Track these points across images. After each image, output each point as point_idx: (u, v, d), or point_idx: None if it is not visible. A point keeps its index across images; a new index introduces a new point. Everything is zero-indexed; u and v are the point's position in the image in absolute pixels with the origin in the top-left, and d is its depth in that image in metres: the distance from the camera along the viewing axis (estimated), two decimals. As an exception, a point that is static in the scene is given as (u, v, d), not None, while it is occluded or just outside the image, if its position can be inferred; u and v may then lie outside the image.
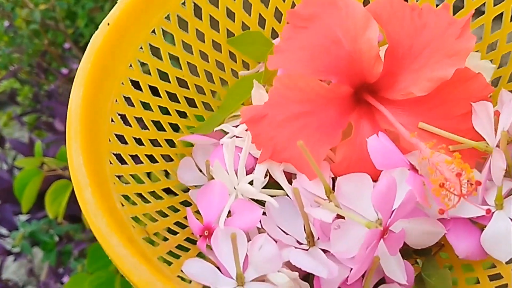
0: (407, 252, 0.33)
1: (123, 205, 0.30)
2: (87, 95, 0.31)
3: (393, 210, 0.29)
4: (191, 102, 0.40)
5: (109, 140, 0.32)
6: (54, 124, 1.00)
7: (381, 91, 0.35)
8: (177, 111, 0.39)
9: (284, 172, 0.35)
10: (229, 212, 0.33)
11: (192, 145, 0.39)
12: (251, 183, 0.34)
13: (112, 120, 0.33)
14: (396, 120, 0.32)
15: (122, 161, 0.33)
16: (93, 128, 0.30)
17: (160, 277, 0.24)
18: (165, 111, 0.38)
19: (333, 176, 0.34)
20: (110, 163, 0.31)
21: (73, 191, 0.65)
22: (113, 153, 0.32)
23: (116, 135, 0.33)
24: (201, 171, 0.38)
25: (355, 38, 0.32)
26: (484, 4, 0.37)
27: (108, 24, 0.33)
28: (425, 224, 0.31)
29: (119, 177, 0.32)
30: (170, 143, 0.39)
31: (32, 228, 0.86)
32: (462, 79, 0.34)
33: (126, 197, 0.31)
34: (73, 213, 0.82)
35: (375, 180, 0.32)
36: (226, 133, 0.37)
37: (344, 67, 0.33)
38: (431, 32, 0.33)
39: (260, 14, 0.41)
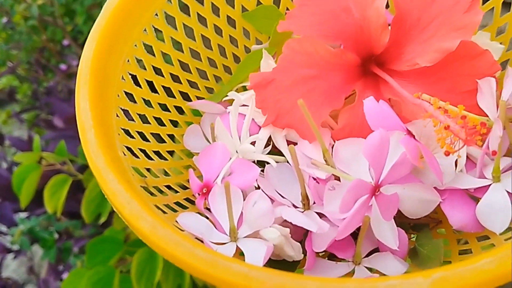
0: (404, 226, 0.33)
1: (125, 154, 0.31)
2: (99, 49, 0.32)
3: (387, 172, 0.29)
4: (202, 74, 0.42)
5: (118, 96, 0.33)
6: (53, 121, 1.01)
7: (387, 63, 0.35)
8: (188, 81, 0.40)
9: (287, 141, 0.36)
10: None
11: (201, 115, 0.40)
12: (253, 145, 0.34)
13: (123, 78, 0.34)
14: (399, 86, 0.33)
15: (129, 118, 0.34)
16: (103, 80, 0.32)
17: (151, 212, 0.25)
18: (176, 80, 0.40)
19: (333, 143, 0.34)
20: (117, 116, 0.32)
21: (72, 186, 0.66)
22: (121, 108, 0.33)
23: (125, 93, 0.34)
24: (207, 139, 0.39)
25: (365, 6, 0.33)
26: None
27: (125, -14, 0.35)
28: (420, 191, 0.31)
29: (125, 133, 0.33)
30: (180, 110, 0.40)
31: (31, 224, 0.86)
32: (469, 55, 0.34)
33: (130, 150, 0.33)
34: (72, 210, 0.83)
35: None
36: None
37: (352, 34, 0.34)
38: (440, 5, 0.33)
39: (275, -8, 0.42)
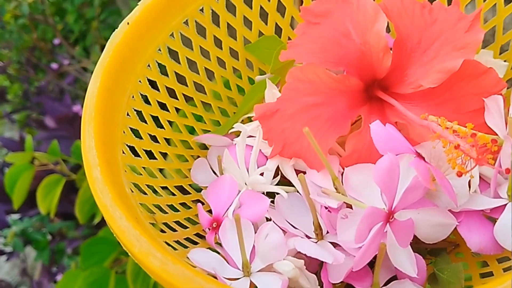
0: (421, 251, 0.32)
1: (132, 191, 0.31)
2: (103, 86, 0.32)
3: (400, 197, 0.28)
4: (207, 108, 0.41)
5: (124, 132, 0.33)
6: (45, 121, 1.00)
7: (391, 87, 0.35)
8: (193, 114, 0.40)
9: (295, 170, 0.35)
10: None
11: (207, 148, 0.40)
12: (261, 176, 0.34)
13: (128, 114, 0.34)
14: (405, 109, 0.32)
15: (136, 154, 0.34)
16: (108, 117, 0.32)
17: (161, 249, 0.25)
18: (182, 113, 0.39)
19: (342, 170, 0.33)
20: (123, 153, 0.32)
21: (65, 186, 0.66)
22: (127, 145, 0.33)
23: (131, 129, 0.34)
24: (215, 173, 0.39)
25: (365, 30, 0.33)
26: (495, 5, 0.37)
27: (128, 23, 0.35)
28: (436, 215, 0.30)
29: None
30: (186, 144, 0.39)
31: (24, 226, 0.85)
32: (473, 74, 0.33)
33: (137, 187, 0.32)
34: (66, 210, 0.82)
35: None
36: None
37: (354, 59, 0.34)
38: (440, 26, 0.33)
39: (276, 23, 0.43)
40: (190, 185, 0.38)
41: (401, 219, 0.29)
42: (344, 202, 0.31)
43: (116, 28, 0.35)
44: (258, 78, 0.43)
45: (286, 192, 0.33)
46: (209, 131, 0.41)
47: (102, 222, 0.71)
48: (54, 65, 1.09)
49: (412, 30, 0.34)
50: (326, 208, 0.31)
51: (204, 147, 0.40)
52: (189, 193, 0.37)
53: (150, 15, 0.36)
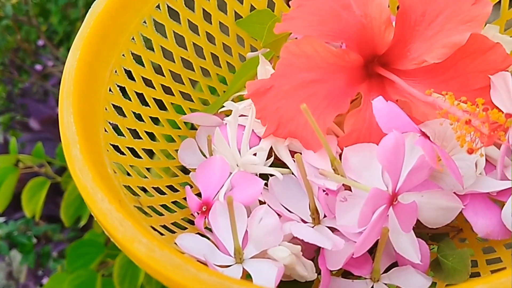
0: (422, 237, 0.30)
1: (115, 172, 0.28)
2: (83, 58, 0.30)
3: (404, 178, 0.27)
4: (196, 86, 0.39)
5: (106, 109, 0.31)
6: (29, 123, 0.98)
7: (392, 63, 0.33)
8: (181, 93, 0.38)
9: (290, 151, 0.33)
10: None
11: (196, 129, 0.38)
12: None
13: (110, 90, 0.32)
14: (408, 85, 0.30)
15: (119, 133, 0.32)
16: (88, 92, 0.29)
17: (147, 234, 0.22)
18: (168, 91, 0.37)
19: (340, 151, 0.31)
20: (105, 131, 0.30)
21: (50, 189, 0.64)
22: (110, 123, 0.31)
23: (114, 106, 0.32)
24: (203, 154, 0.36)
25: (366, 2, 0.31)
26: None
27: (109, -8, 0.32)
28: (441, 198, 0.28)
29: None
30: (173, 124, 0.37)
31: (10, 229, 0.83)
32: (480, 49, 0.32)
33: (120, 168, 0.30)
34: (51, 213, 0.80)
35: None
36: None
37: (354, 32, 0.32)
38: (445, -1, 0.31)
39: (269, -3, 0.40)
40: (177, 167, 0.36)
41: (404, 202, 0.27)
42: (343, 184, 0.29)
43: None
44: (249, 55, 0.40)
45: (281, 174, 0.31)
46: (198, 110, 0.39)
47: (88, 225, 0.70)
48: (38, 67, 1.06)
49: (416, 1, 0.32)
50: (323, 190, 0.29)
51: (193, 127, 0.38)
52: (177, 176, 0.35)
53: (135, -17, 0.34)
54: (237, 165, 0.32)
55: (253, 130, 0.33)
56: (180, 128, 0.37)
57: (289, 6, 0.41)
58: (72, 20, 1.15)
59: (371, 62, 0.33)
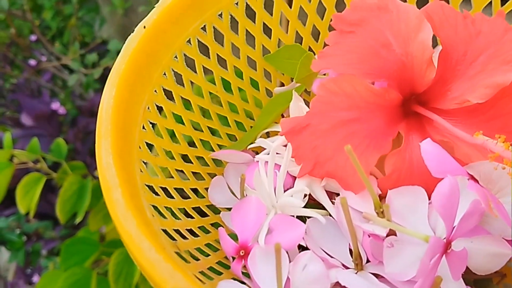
0: (466, 282, 0.29)
1: (153, 216, 0.27)
2: (119, 96, 0.29)
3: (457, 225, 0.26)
4: (223, 121, 0.38)
5: (140, 148, 0.30)
6: (21, 118, 0.96)
7: (431, 101, 0.32)
8: (209, 128, 0.37)
9: (326, 192, 0.32)
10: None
11: (223, 165, 0.37)
12: (290, 198, 0.31)
13: (144, 128, 0.31)
14: (453, 126, 0.30)
15: (152, 172, 0.30)
16: (125, 131, 0.28)
17: (196, 285, 0.21)
18: (196, 127, 0.36)
19: (380, 192, 0.31)
20: (141, 171, 0.29)
21: (45, 185, 0.62)
22: (143, 162, 0.30)
23: (146, 144, 0.31)
24: (233, 193, 0.35)
25: (407, 40, 0.30)
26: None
27: (144, 27, 0.32)
28: (490, 244, 0.27)
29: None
30: (202, 161, 0.36)
31: (0, 225, 0.81)
32: (520, 89, 0.31)
33: (156, 210, 0.29)
34: (43, 210, 0.79)
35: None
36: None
37: (394, 71, 0.31)
38: (486, 38, 0.31)
39: (297, 32, 0.40)
40: (207, 206, 0.35)
41: (456, 249, 0.26)
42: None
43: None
44: (277, 90, 0.40)
45: (312, 213, 0.30)
46: (225, 146, 0.38)
47: (80, 223, 0.68)
48: (32, 62, 1.04)
49: (456, 42, 0.31)
50: (369, 235, 0.28)
51: (220, 163, 0.37)
52: (207, 215, 0.34)
53: (168, 19, 0.33)
54: (273, 206, 0.31)
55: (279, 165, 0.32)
56: (208, 165, 0.36)
57: (316, 41, 0.40)
58: (65, 16, 1.15)
59: (408, 100, 0.33)
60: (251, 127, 0.39)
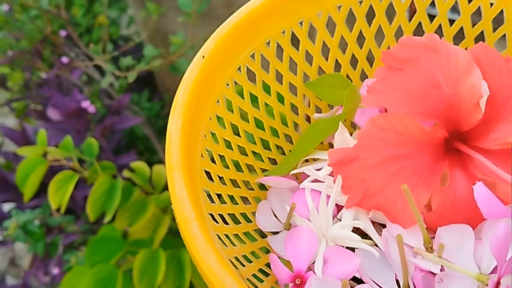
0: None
1: (226, 245, 0.28)
2: (185, 127, 0.30)
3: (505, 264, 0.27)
4: (265, 145, 0.39)
5: (201, 176, 0.31)
6: (47, 112, 0.97)
7: (473, 140, 0.34)
8: (253, 153, 0.38)
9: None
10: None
11: (266, 188, 0.38)
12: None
13: (202, 156, 0.32)
14: (497, 168, 0.31)
15: (211, 200, 0.32)
16: (190, 162, 0.29)
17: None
18: (242, 152, 0.37)
19: (425, 226, 0.32)
20: (204, 200, 0.30)
21: (77, 183, 0.64)
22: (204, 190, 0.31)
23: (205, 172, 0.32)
24: (276, 217, 0.36)
25: (457, 82, 0.32)
26: None
27: (203, 57, 0.33)
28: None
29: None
30: (248, 185, 0.37)
31: (28, 218, 0.83)
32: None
33: (220, 239, 0.30)
34: (68, 206, 0.80)
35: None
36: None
37: (442, 111, 0.33)
38: (528, 83, 0.33)
39: (336, 60, 0.41)
40: (254, 230, 0.36)
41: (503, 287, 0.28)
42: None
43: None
44: (316, 116, 0.41)
45: (367, 246, 0.32)
46: (267, 169, 0.39)
47: (101, 218, 0.70)
48: (65, 59, 1.04)
49: (500, 85, 0.33)
50: (421, 270, 0.30)
51: (263, 187, 0.38)
52: (255, 240, 0.35)
53: (223, 48, 0.34)
54: (324, 236, 0.32)
55: (328, 195, 0.34)
56: (253, 190, 0.37)
57: (354, 69, 0.42)
58: (95, 13, 1.15)
59: (451, 137, 0.34)
60: (290, 150, 0.40)
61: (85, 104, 0.92)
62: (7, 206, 1.00)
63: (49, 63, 1.19)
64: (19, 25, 1.10)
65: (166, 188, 0.74)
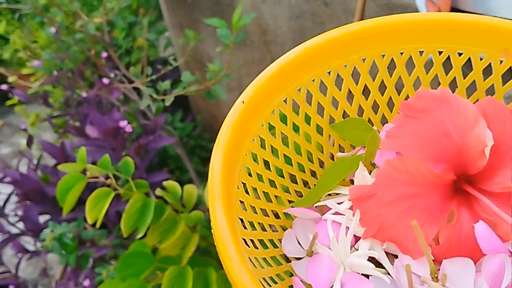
0: None
1: (256, 267, 0.33)
2: (225, 162, 0.35)
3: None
4: (292, 179, 0.44)
5: (236, 205, 0.35)
6: (85, 129, 1.04)
7: (479, 182, 0.38)
8: (281, 185, 0.43)
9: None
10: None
11: (292, 218, 0.43)
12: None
13: (238, 187, 0.36)
14: (498, 209, 0.35)
15: (244, 226, 0.36)
16: (228, 192, 0.34)
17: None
18: (272, 185, 0.42)
19: (433, 258, 0.36)
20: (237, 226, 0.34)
21: (113, 199, 0.69)
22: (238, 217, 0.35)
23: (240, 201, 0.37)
24: (300, 244, 0.41)
25: (465, 132, 0.36)
26: None
27: (243, 102, 0.38)
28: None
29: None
30: (276, 215, 0.42)
31: (63, 230, 0.88)
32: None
33: (251, 261, 0.34)
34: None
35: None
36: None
37: (451, 157, 0.37)
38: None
39: (360, 105, 0.46)
40: (280, 255, 0.40)
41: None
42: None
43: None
44: (339, 154, 0.46)
45: (379, 274, 0.36)
46: (293, 201, 0.43)
47: (132, 234, 0.74)
48: (105, 80, 1.12)
49: (504, 135, 0.37)
50: (426, 297, 0.34)
51: (289, 217, 0.43)
52: (281, 264, 0.39)
53: (260, 95, 0.39)
54: (342, 263, 0.37)
55: (347, 227, 0.38)
56: (280, 218, 0.42)
57: (376, 113, 0.46)
58: (135, 36, 1.24)
59: (459, 179, 0.38)
60: (315, 185, 0.45)
61: (123, 123, 0.98)
62: (43, 218, 1.06)
63: (89, 83, 1.27)
64: (64, 47, 1.19)
65: (195, 207, 0.79)
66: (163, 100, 0.90)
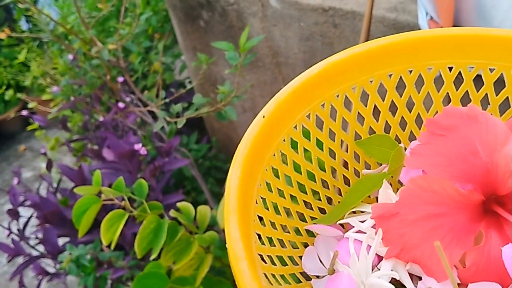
0: None
1: (271, 284, 0.32)
2: (242, 177, 0.34)
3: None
4: (316, 195, 0.43)
5: (254, 220, 0.35)
6: (102, 152, 1.06)
7: (508, 204, 0.36)
8: (303, 202, 0.42)
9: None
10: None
11: (314, 235, 0.42)
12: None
13: (256, 202, 0.36)
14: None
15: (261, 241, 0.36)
16: (244, 207, 0.34)
17: None
18: (294, 201, 0.41)
19: (458, 281, 0.35)
20: (254, 242, 0.34)
21: (126, 220, 0.69)
22: (255, 233, 0.35)
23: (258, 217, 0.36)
24: (321, 262, 0.40)
25: (494, 151, 0.35)
26: None
27: (264, 116, 0.37)
28: None
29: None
30: (297, 231, 0.41)
31: (80, 252, 0.89)
32: None
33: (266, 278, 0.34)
34: (117, 242, 0.86)
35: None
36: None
37: (479, 176, 0.35)
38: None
39: (386, 121, 0.45)
40: (300, 273, 0.39)
41: None
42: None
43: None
44: (364, 171, 0.45)
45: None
46: (316, 218, 0.43)
47: (147, 255, 0.74)
48: (121, 104, 1.15)
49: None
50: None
51: (311, 234, 0.42)
52: (300, 281, 0.39)
53: (282, 109, 0.39)
54: (362, 283, 0.36)
55: (369, 245, 0.37)
56: (302, 235, 0.41)
57: (403, 130, 0.45)
58: (150, 61, 1.27)
59: (489, 200, 0.37)
60: (339, 202, 0.44)
61: (138, 146, 1.00)
62: (62, 240, 1.08)
63: (106, 107, 1.31)
64: (82, 73, 1.23)
65: (210, 228, 0.79)
66: (175, 123, 0.91)
